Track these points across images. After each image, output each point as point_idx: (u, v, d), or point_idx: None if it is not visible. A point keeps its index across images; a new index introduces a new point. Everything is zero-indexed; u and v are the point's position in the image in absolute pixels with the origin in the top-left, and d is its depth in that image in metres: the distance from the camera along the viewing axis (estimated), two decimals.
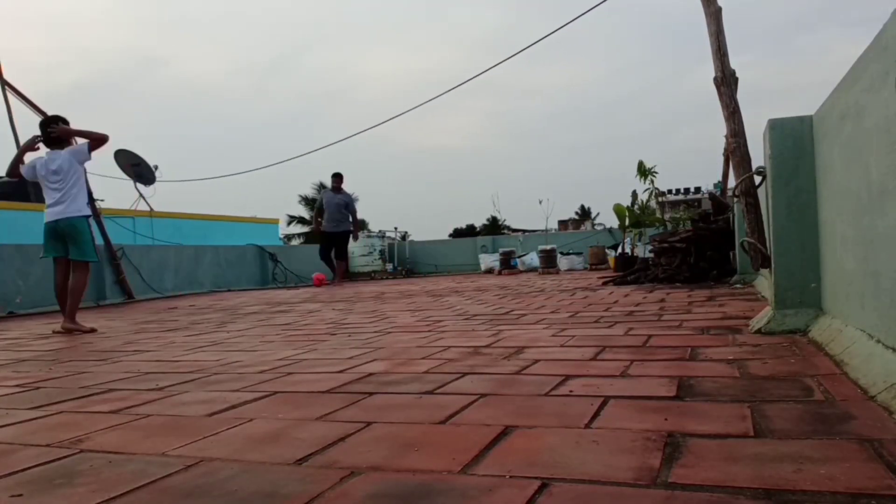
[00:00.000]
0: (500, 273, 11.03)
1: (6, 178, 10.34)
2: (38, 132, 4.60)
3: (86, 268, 4.54)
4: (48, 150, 4.58)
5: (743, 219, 3.13)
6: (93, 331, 4.32)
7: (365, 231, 15.67)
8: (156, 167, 11.81)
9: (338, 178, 10.42)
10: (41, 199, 10.64)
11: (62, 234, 4.44)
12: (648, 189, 8.36)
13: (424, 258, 14.36)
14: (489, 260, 12.18)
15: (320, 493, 1.05)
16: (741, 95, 3.03)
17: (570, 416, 1.44)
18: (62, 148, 4.61)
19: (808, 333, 2.33)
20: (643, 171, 8.11)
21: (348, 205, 10.35)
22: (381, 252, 13.64)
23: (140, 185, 11.64)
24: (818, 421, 1.29)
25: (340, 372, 2.19)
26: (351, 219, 10.39)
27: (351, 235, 10.53)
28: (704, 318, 3.12)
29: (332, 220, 10.10)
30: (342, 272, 10.45)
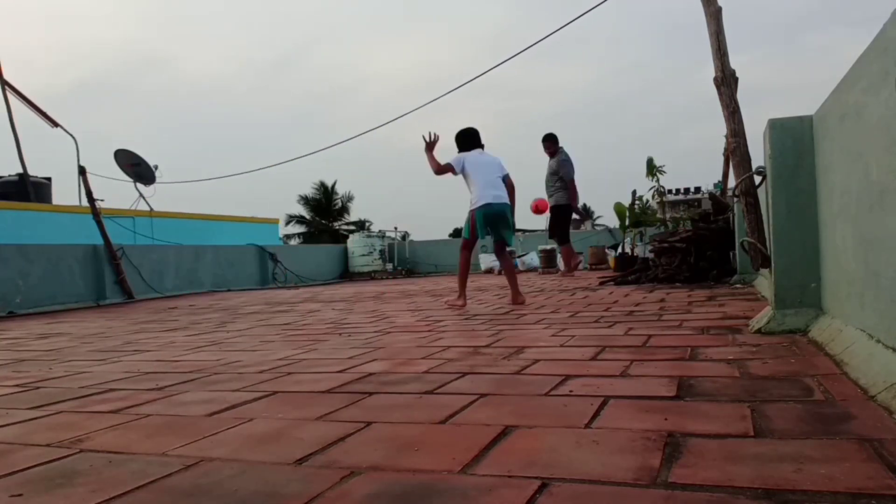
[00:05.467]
0: (500, 273, 11.04)
1: (12, 177, 10.25)
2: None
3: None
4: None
5: (743, 219, 3.13)
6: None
7: (364, 231, 15.53)
8: (156, 167, 11.83)
9: (551, 140, 7.96)
10: (41, 199, 10.64)
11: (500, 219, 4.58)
12: (654, 187, 8.36)
13: (424, 258, 14.36)
14: (489, 260, 12.19)
15: (320, 492, 1.05)
16: (741, 95, 3.03)
17: (570, 416, 1.44)
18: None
19: (808, 333, 2.33)
20: (652, 169, 8.11)
21: (557, 171, 7.86)
22: (381, 252, 13.64)
23: (140, 185, 11.65)
24: (818, 421, 1.29)
25: (340, 372, 2.19)
26: (563, 187, 7.87)
27: (572, 211, 8.09)
28: (704, 317, 3.12)
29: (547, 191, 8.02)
30: (568, 260, 8.20)
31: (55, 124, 9.71)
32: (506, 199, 4.58)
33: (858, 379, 1.57)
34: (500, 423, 1.39)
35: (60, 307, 7.17)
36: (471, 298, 5.44)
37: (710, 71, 3.09)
